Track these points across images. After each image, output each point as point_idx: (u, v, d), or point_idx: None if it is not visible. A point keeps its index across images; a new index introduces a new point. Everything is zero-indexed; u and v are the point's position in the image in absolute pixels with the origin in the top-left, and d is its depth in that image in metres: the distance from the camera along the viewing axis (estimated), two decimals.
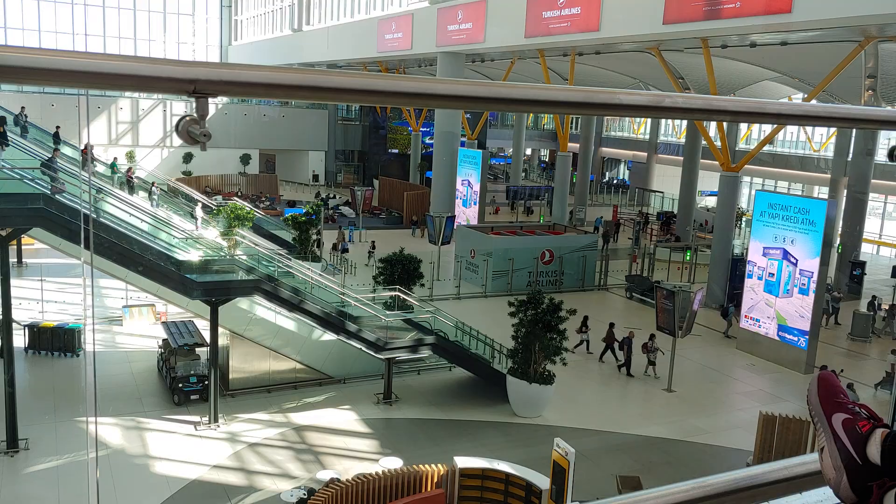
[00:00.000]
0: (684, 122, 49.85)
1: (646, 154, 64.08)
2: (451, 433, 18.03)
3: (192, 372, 19.03)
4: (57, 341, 21.43)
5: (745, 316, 25.32)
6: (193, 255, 19.65)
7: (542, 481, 13.57)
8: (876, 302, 29.39)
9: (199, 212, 28.20)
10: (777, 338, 24.13)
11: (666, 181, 59.66)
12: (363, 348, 19.61)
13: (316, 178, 61.50)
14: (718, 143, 29.82)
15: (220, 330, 18.64)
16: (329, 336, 19.99)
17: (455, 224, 35.29)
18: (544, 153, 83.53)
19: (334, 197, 51.68)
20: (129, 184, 27.57)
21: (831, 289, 29.12)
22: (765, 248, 24.60)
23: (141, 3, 65.21)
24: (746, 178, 51.09)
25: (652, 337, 22.49)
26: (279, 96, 1.22)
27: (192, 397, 18.77)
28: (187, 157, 52.98)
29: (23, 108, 27.66)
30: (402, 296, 21.94)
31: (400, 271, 23.05)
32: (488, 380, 20.37)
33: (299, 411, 18.93)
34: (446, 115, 38.66)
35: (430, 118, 50.74)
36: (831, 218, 24.00)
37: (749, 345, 25.06)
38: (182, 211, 29.40)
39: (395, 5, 44.22)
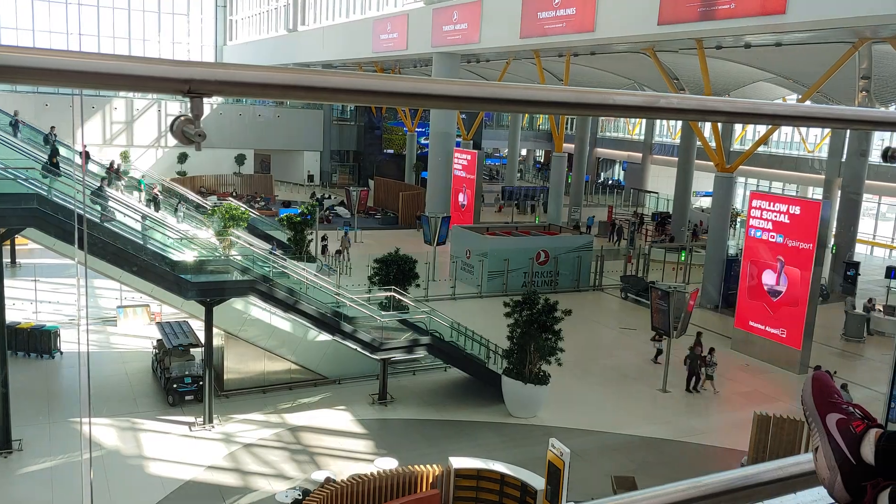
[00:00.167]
0: (679, 123, 49.92)
1: (641, 155, 64.18)
2: (447, 433, 18.03)
3: (187, 372, 18.99)
4: (34, 342, 21.30)
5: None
6: (188, 256, 19.61)
7: (538, 481, 13.58)
8: (871, 303, 29.52)
9: (181, 207, 28.33)
10: (771, 338, 24.20)
11: (661, 182, 59.75)
12: (358, 349, 19.59)
13: (311, 178, 61.42)
14: (713, 144, 29.88)
15: (215, 330, 18.60)
16: (324, 337, 19.97)
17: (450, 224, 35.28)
18: (539, 154, 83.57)
19: (329, 197, 51.62)
20: (156, 201, 27.40)
21: (872, 300, 29.31)
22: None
23: (135, 3, 65.09)
24: (741, 179, 51.20)
25: (711, 351, 21.75)
26: (274, 96, 1.22)
27: (187, 398, 18.72)
28: (182, 158, 52.87)
29: (16, 112, 27.60)
30: (398, 296, 21.92)
31: (395, 272, 23.03)
32: (483, 380, 20.37)
33: (294, 412, 18.91)
34: (441, 115, 38.66)
35: (426, 118, 50.71)
36: (825, 219, 24.07)
37: (743, 345, 25.12)
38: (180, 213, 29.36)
39: (391, 5, 44.20)
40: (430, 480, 13.92)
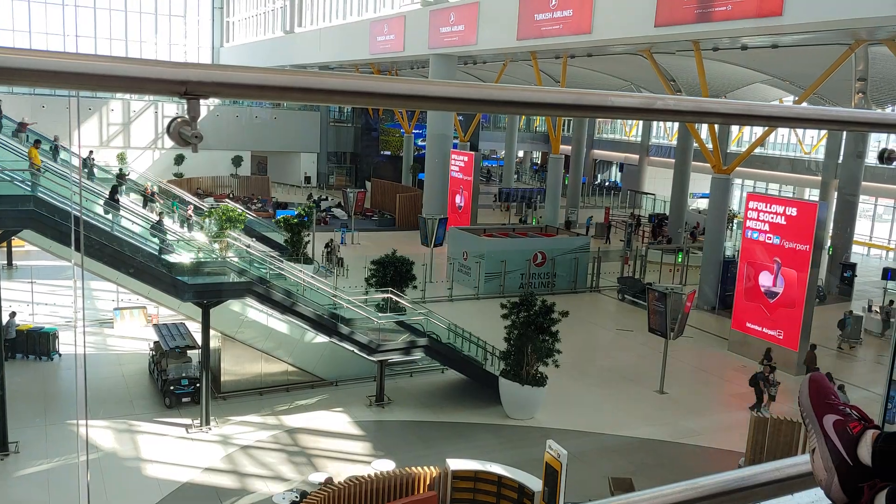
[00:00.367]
0: (676, 125, 50.00)
1: (637, 156, 64.24)
2: (444, 435, 18.02)
3: (184, 374, 18.96)
4: (32, 344, 21.24)
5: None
6: (185, 257, 19.60)
7: (535, 483, 13.57)
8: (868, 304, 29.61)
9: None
10: (768, 340, 24.21)
11: (658, 183, 59.80)
12: (355, 350, 19.57)
13: (308, 179, 61.38)
14: (710, 146, 29.92)
15: (212, 332, 18.58)
16: (321, 338, 19.95)
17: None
18: (536, 155, 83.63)
19: (326, 199, 51.60)
20: (189, 223, 27.36)
21: (893, 303, 29.27)
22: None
23: (132, 5, 65.01)
24: (738, 181, 51.26)
25: (773, 369, 21.00)
26: (271, 98, 1.22)
27: (184, 400, 18.69)
28: (179, 159, 52.82)
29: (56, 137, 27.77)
30: (395, 298, 21.91)
31: (392, 273, 23.02)
32: (481, 382, 20.37)
33: (291, 414, 18.89)
34: (438, 116, 38.66)
35: (423, 120, 50.72)
36: (822, 220, 24.11)
37: (740, 346, 25.14)
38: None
39: (388, 7, 44.21)
40: (428, 482, 13.91)
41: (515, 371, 18.84)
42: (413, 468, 14.03)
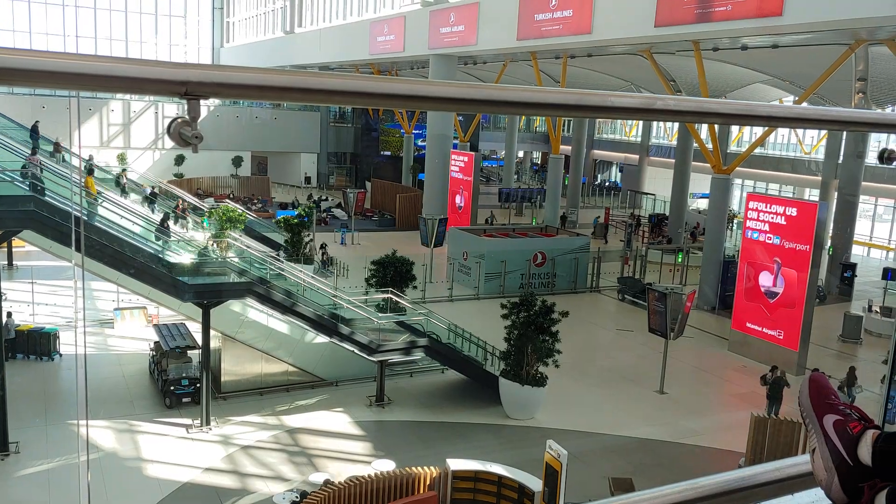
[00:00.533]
0: (676, 125, 50.00)
1: (637, 156, 64.24)
2: (444, 435, 18.02)
3: (184, 374, 18.96)
4: (33, 344, 21.23)
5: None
6: (185, 258, 19.60)
7: (535, 483, 13.58)
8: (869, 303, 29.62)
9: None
10: (768, 340, 24.22)
11: (658, 184, 59.81)
12: (356, 351, 19.57)
13: (308, 180, 61.40)
14: (710, 146, 29.92)
15: (212, 332, 18.58)
16: (321, 339, 19.96)
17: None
18: (536, 155, 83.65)
19: (326, 199, 51.62)
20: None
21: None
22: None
23: (133, 5, 65.01)
24: (738, 181, 51.26)
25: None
26: (271, 98, 1.22)
27: (184, 400, 18.69)
28: (179, 160, 52.83)
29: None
30: (395, 298, 21.91)
31: (392, 273, 23.02)
32: (481, 382, 20.37)
33: (292, 414, 18.89)
34: (439, 117, 38.66)
35: (423, 120, 50.72)
36: (822, 220, 24.10)
37: (740, 346, 25.14)
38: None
39: (388, 7, 44.22)
40: (428, 482, 13.91)
41: (515, 371, 18.84)
42: (413, 468, 14.03)
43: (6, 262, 29.89)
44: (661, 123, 54.53)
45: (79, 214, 16.79)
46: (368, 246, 37.18)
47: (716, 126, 31.86)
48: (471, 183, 41.68)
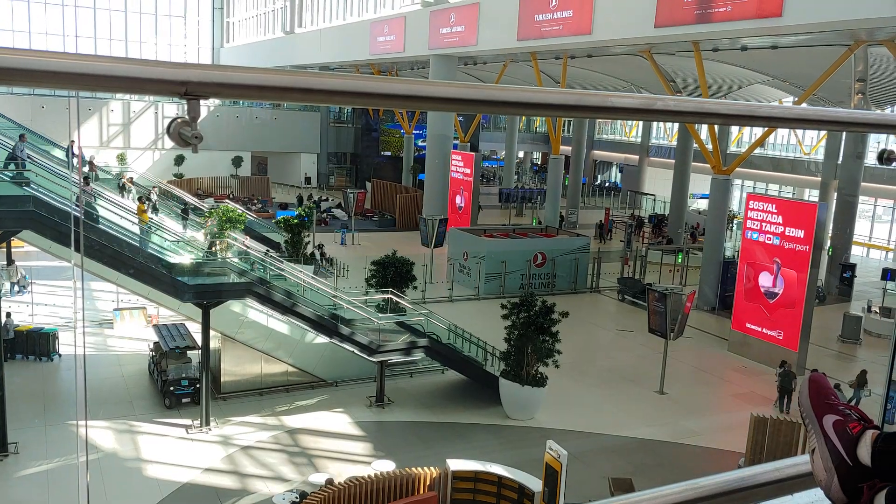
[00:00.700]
0: (676, 126, 50.01)
1: (637, 157, 64.25)
2: (444, 436, 18.02)
3: (184, 375, 18.95)
4: (32, 345, 21.21)
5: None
6: (185, 258, 19.59)
7: (535, 484, 13.58)
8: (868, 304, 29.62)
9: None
10: (768, 340, 24.22)
11: (658, 184, 59.83)
12: (356, 351, 19.57)
13: (308, 180, 61.41)
14: (710, 146, 29.92)
15: (212, 333, 18.57)
16: (321, 339, 19.95)
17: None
18: (537, 156, 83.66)
19: (326, 199, 51.62)
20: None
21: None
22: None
23: (132, 5, 65.01)
24: (738, 181, 51.27)
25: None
26: (271, 98, 1.22)
27: (184, 400, 18.69)
28: (179, 160, 52.83)
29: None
30: (395, 298, 21.91)
31: (392, 274, 23.02)
32: (481, 382, 20.36)
33: (292, 414, 18.88)
34: (439, 117, 38.66)
35: (423, 121, 50.73)
36: (822, 221, 24.10)
37: (740, 347, 25.14)
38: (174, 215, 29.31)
39: (388, 8, 44.22)
40: (428, 483, 13.91)
41: (515, 371, 18.84)
42: (413, 469, 14.03)
43: (5, 262, 29.84)
44: (661, 124, 54.57)
45: (79, 214, 16.73)
46: (368, 246, 37.19)
47: (715, 127, 31.89)
48: (471, 183, 41.68)
